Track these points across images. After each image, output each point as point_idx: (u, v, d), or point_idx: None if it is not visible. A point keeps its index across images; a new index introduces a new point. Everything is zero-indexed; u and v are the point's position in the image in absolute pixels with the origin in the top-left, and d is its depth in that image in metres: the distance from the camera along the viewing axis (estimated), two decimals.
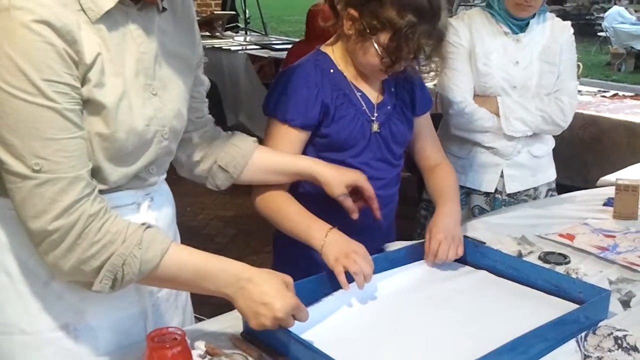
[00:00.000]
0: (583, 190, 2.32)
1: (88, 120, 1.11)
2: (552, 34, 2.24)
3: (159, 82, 1.21)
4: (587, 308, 1.34)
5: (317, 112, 1.57)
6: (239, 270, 1.19)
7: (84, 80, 1.09)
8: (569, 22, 2.31)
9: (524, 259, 1.64)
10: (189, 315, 1.50)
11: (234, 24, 7.76)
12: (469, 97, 2.19)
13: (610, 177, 2.29)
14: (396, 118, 1.69)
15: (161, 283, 1.22)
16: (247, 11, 7.93)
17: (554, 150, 2.41)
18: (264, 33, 7.40)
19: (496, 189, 2.28)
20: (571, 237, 1.79)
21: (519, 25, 2.20)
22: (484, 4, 2.29)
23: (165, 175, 1.37)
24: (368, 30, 1.49)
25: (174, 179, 1.45)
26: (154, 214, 1.31)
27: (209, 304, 1.26)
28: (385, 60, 1.51)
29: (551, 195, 2.39)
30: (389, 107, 1.68)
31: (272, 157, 1.54)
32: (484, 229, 1.86)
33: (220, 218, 4.44)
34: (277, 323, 1.18)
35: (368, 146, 1.65)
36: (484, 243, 1.71)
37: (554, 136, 2.36)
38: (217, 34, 6.62)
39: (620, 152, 3.24)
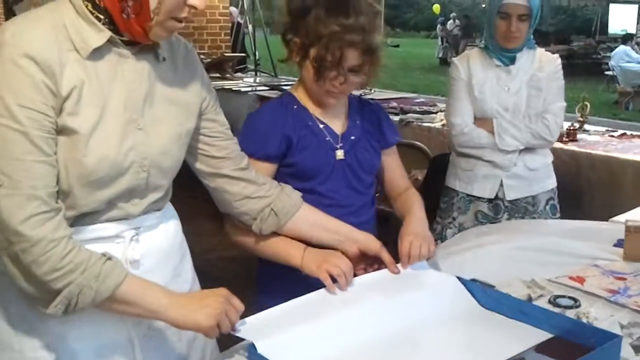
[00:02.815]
0: (593, 222, 2.31)
1: (62, 147, 1.20)
2: (540, 64, 2.68)
3: (149, 119, 1.29)
4: (598, 354, 1.32)
5: (277, 144, 1.68)
6: (166, 293, 1.27)
7: (60, 110, 1.18)
8: (556, 55, 2.76)
9: (534, 302, 1.62)
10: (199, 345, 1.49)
11: (244, 65, 7.86)
12: (468, 119, 2.70)
13: (620, 218, 2.27)
14: (362, 147, 1.78)
15: (111, 308, 1.24)
16: (257, 53, 8.05)
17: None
18: (273, 74, 7.48)
19: (497, 196, 2.70)
20: (581, 279, 1.77)
21: (509, 57, 2.66)
22: (482, 44, 2.78)
23: (159, 212, 1.40)
24: (304, 50, 1.63)
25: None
26: (139, 247, 1.34)
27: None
28: (314, 70, 1.61)
29: (552, 205, 2.75)
30: (353, 137, 1.77)
31: (318, 213, 1.64)
32: (488, 268, 1.82)
33: (224, 259, 4.41)
34: (227, 303, 1.25)
35: (333, 173, 1.74)
36: (493, 286, 1.70)
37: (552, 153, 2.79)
38: (227, 75, 6.71)
39: (630, 192, 3.22)
